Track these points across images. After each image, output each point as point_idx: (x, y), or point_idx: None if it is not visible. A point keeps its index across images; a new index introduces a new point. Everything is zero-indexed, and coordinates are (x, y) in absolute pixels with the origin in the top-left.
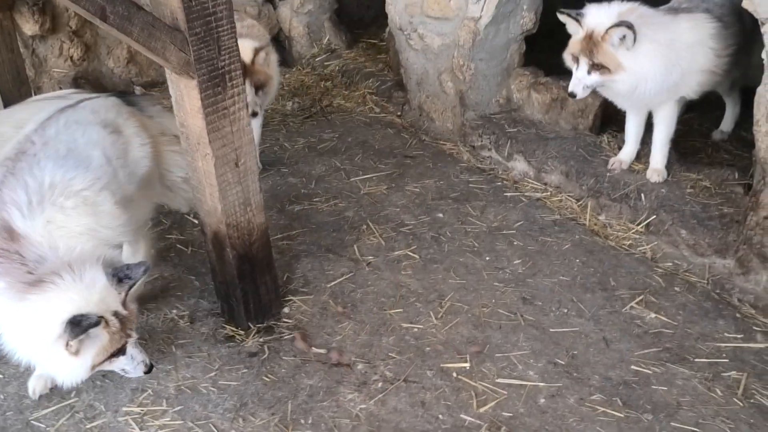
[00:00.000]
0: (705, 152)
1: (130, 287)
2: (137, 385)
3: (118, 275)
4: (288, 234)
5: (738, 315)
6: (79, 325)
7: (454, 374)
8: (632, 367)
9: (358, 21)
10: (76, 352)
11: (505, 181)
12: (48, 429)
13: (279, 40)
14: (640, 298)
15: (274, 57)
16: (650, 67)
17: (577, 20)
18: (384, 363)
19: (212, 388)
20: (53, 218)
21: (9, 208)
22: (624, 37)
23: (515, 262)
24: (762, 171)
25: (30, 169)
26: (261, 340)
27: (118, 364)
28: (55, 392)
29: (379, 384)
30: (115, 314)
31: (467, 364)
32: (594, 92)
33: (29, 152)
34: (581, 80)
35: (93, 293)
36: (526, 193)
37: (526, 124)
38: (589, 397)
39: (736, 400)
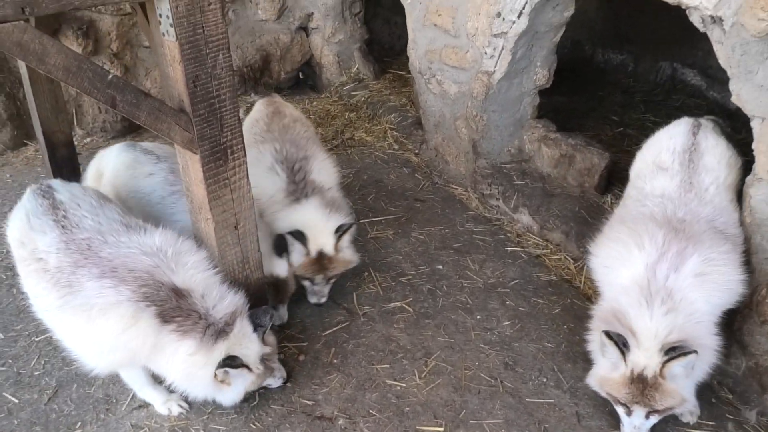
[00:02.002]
0: None
1: (263, 333)
2: (136, 421)
3: (253, 323)
4: None
5: (714, 400)
6: (225, 363)
7: None
8: None
9: (389, 49)
10: (226, 382)
11: (508, 234)
12: None
13: (311, 65)
14: None
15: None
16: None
17: (622, 351)
18: (364, 420)
19: None
20: (188, 262)
21: (190, 271)
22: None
23: (504, 323)
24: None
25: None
26: None
27: (266, 383)
28: (62, 423)
29: None
30: (262, 359)
31: (441, 429)
32: (599, 153)
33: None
34: (641, 428)
35: (252, 345)
36: (527, 249)
37: (535, 177)
38: None
39: None
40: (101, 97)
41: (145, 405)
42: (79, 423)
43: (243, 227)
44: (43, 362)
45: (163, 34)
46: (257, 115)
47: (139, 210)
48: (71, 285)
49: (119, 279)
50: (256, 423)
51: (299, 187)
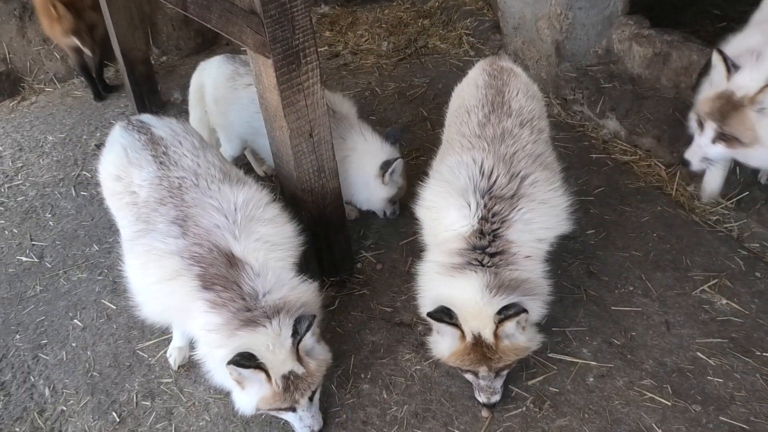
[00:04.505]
0: None
1: (298, 342)
2: None
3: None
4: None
5: None
6: (236, 362)
7: None
8: (690, 354)
9: None
10: (241, 385)
11: (593, 140)
12: (150, 359)
13: None
14: (715, 281)
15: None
16: None
17: (728, 68)
18: None
19: None
20: (258, 232)
21: (254, 243)
22: None
23: (589, 232)
24: None
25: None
26: (333, 293)
27: (287, 417)
28: (156, 328)
29: None
30: (287, 375)
31: None
32: (699, 49)
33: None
34: (701, 149)
35: (284, 351)
36: (613, 155)
37: (624, 80)
38: (639, 382)
39: None
40: None
41: None
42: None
43: (318, 135)
44: None
45: None
46: (470, 101)
47: (240, 122)
48: (149, 222)
49: (183, 230)
50: (338, 329)
51: (481, 243)
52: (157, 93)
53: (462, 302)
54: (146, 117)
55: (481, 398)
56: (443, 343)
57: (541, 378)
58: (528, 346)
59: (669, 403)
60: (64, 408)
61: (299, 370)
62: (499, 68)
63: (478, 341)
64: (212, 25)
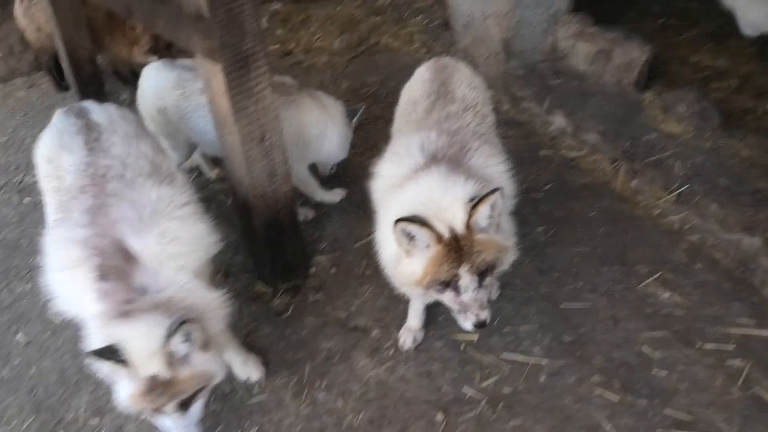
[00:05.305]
0: (754, 114)
1: (165, 344)
2: None
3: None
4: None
5: (756, 299)
6: (98, 353)
7: (462, 346)
8: (636, 347)
9: None
10: (111, 380)
11: (541, 137)
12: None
13: None
14: (658, 275)
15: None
16: None
17: None
18: (398, 329)
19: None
20: (159, 229)
21: (154, 239)
22: None
23: (538, 229)
24: None
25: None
26: (287, 299)
27: (160, 424)
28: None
29: (391, 351)
30: (152, 377)
31: (476, 337)
32: (640, 46)
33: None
34: None
35: (149, 349)
36: (561, 152)
37: (570, 76)
38: (589, 378)
39: (735, 390)
40: (115, 4)
41: None
42: None
43: (269, 140)
44: None
45: None
46: (417, 93)
47: (196, 131)
48: (67, 211)
49: (92, 220)
50: (293, 336)
51: (431, 161)
52: (104, 93)
53: (425, 199)
54: (87, 103)
55: (470, 321)
56: (414, 262)
57: (494, 379)
58: (505, 245)
59: (617, 398)
60: (8, 428)
61: (165, 374)
62: (443, 64)
63: (453, 237)
64: (160, 30)
